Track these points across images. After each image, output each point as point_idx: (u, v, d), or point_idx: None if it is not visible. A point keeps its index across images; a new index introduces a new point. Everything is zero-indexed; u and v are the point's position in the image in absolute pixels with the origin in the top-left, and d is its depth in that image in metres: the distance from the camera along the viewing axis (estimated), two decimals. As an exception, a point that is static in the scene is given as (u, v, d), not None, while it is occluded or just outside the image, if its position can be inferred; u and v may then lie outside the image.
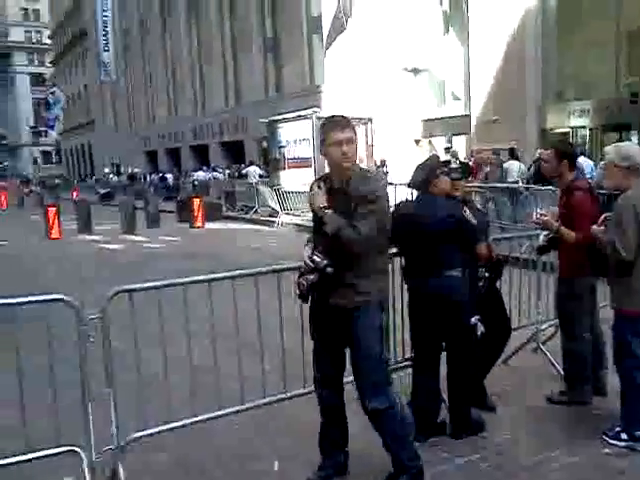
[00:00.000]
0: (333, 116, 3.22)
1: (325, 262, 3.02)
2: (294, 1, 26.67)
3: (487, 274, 4.21)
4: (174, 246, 14.57)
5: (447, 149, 19.66)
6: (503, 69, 20.05)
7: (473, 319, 3.97)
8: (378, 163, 19.32)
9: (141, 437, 3.43)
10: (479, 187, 11.86)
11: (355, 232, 2.97)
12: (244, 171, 23.28)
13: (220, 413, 3.68)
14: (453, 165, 4.38)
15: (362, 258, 3.08)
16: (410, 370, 4.23)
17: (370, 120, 19.18)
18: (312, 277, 3.05)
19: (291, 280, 3.36)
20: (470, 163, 14.56)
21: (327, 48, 24.05)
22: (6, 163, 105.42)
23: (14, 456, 3.15)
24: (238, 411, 3.77)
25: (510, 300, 4.95)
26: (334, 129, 3.10)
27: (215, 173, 28.27)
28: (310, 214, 3.08)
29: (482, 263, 4.11)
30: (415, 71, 24.68)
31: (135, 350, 3.44)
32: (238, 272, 3.70)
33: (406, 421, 3.34)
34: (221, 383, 3.67)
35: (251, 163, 24.00)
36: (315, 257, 3.05)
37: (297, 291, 3.17)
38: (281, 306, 3.93)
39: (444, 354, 4.02)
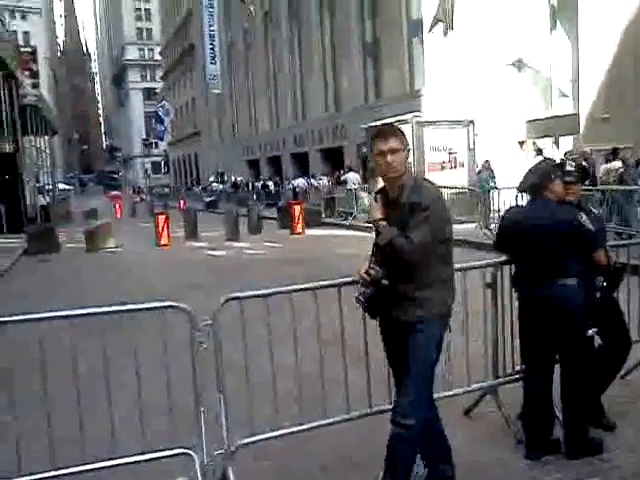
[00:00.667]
0: (381, 125, 3.26)
1: (380, 274, 2.96)
2: (394, 4, 26.52)
3: (604, 283, 3.97)
4: (275, 252, 14.88)
5: (539, 151, 18.84)
6: (616, 64, 18.91)
7: (590, 331, 3.76)
8: (479, 167, 18.80)
9: (249, 443, 3.50)
10: (590, 189, 11.24)
11: (408, 241, 2.90)
12: (343, 177, 23.42)
13: (324, 422, 3.68)
14: (568, 168, 4.17)
15: (422, 269, 2.99)
16: (520, 383, 4.05)
17: (472, 122, 18.74)
18: (368, 291, 3.00)
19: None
20: (585, 165, 13.80)
21: (428, 51, 23.68)
22: (120, 174, 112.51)
23: (132, 455, 3.30)
24: (343, 420, 3.76)
25: (629, 311, 4.63)
26: (377, 139, 3.05)
27: (314, 180, 28.64)
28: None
29: (599, 271, 3.88)
30: (520, 66, 23.86)
31: (244, 356, 3.51)
32: (343, 280, 3.68)
33: (417, 446, 3.19)
34: (327, 391, 3.67)
35: (349, 169, 24.11)
36: (371, 270, 2.99)
37: (358, 305, 3.13)
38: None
39: (557, 367, 3.82)
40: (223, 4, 43.29)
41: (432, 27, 23.36)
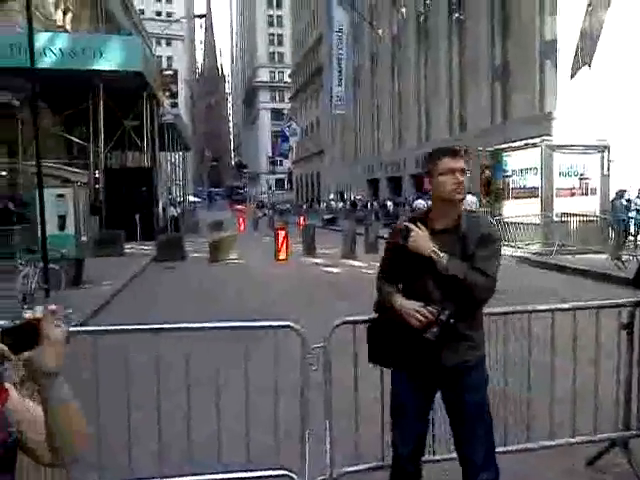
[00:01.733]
0: (445, 147, 2.89)
1: (447, 312, 2.60)
2: (526, 27, 25.71)
3: None
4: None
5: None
6: None
7: None
8: (613, 195, 17.59)
9: (354, 472, 3.40)
10: None
11: (483, 276, 2.62)
12: (466, 199, 22.84)
13: (434, 458, 3.50)
14: None
15: (479, 306, 2.74)
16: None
17: (607, 148, 17.63)
18: (435, 330, 2.61)
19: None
20: None
21: (572, 76, 22.52)
22: (246, 189, 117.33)
23: (235, 472, 3.31)
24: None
25: None
26: (445, 157, 2.76)
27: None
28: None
29: None
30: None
31: (354, 381, 3.42)
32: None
33: None
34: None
35: (468, 192, 23.48)
36: (431, 308, 2.61)
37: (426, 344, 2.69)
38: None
39: None
40: (352, 29, 44.26)
41: (574, 73, 22.20)
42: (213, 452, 3.36)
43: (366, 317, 3.37)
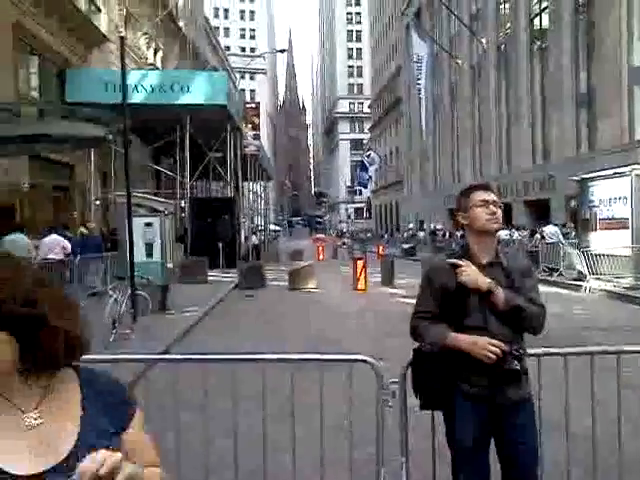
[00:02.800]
0: (476, 183, 2.92)
1: (518, 344, 2.63)
2: (612, 52, 24.85)
3: None
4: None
5: None
6: None
7: None
8: None
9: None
10: None
11: (537, 307, 2.67)
12: (545, 230, 22.07)
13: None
14: None
15: (535, 335, 2.72)
16: None
17: None
18: (515, 362, 2.59)
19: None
20: None
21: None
22: (326, 218, 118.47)
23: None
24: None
25: None
26: (477, 190, 2.82)
27: (517, 232, 27.44)
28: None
29: None
30: None
31: (431, 418, 3.33)
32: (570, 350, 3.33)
33: None
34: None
35: (548, 223, 22.70)
36: (496, 341, 2.53)
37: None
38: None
39: None
40: (431, 59, 44.38)
41: None
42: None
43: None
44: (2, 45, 17.81)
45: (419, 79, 41.24)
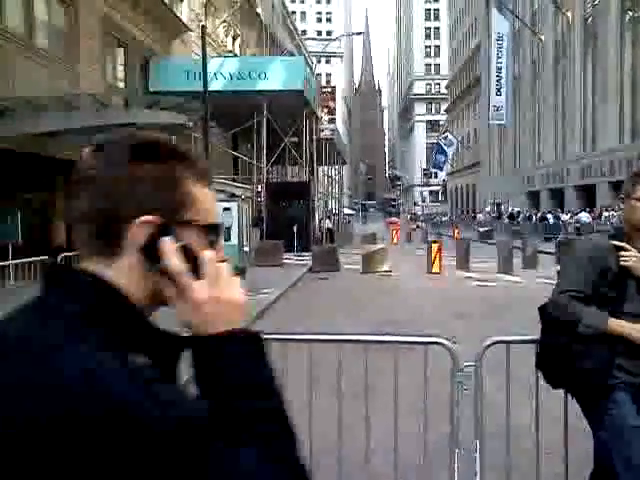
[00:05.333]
0: None
1: None
2: None
3: None
4: (550, 290, 13.96)
5: None
6: None
7: None
8: None
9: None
10: None
11: None
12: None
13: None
14: None
15: None
16: None
17: None
18: None
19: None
20: None
21: None
22: (400, 201, 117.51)
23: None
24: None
25: None
26: None
27: (606, 213, 26.29)
28: None
29: None
30: None
31: (507, 402, 3.34)
32: None
33: None
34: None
35: None
36: None
37: None
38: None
39: None
40: (512, 37, 42.88)
41: None
42: (361, 466, 3.45)
43: (521, 337, 3.28)
44: (91, 38, 18.67)
45: (499, 57, 40.03)
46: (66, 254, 9.10)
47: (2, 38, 14.64)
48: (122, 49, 21.49)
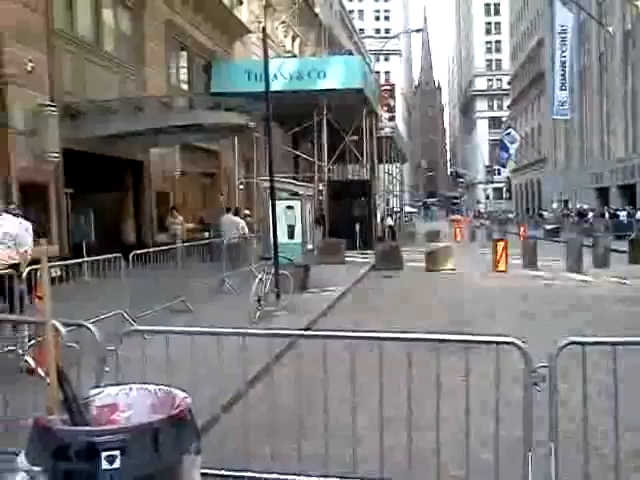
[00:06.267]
0: None
1: None
2: None
3: None
4: (621, 290, 13.43)
5: None
6: None
7: None
8: None
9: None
10: None
11: None
12: None
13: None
14: None
15: None
16: None
17: None
18: None
19: None
20: None
21: None
22: (463, 198, 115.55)
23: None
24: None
25: None
26: None
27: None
28: None
29: None
30: None
31: (582, 405, 3.23)
32: None
33: None
34: None
35: None
36: None
37: None
38: None
39: None
40: (577, 29, 41.47)
41: None
42: (432, 465, 3.41)
43: (595, 339, 3.17)
44: (156, 43, 19.21)
45: (564, 51, 38.77)
46: (136, 252, 9.40)
47: (74, 44, 15.24)
48: (185, 52, 22.00)
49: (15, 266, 6.55)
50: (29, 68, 12.78)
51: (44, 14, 13.68)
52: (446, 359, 3.64)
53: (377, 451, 3.42)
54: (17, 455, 2.22)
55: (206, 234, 17.98)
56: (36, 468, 2.11)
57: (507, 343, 3.22)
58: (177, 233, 16.15)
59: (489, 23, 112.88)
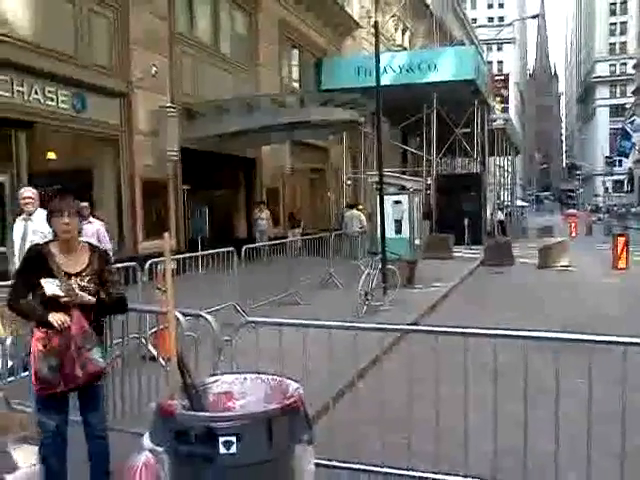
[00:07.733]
0: None
1: None
2: None
3: None
4: None
5: None
6: None
7: None
8: None
9: None
10: None
11: None
12: None
13: None
14: None
15: None
16: None
17: None
18: None
19: None
20: None
21: None
22: (578, 192, 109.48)
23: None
24: None
25: None
26: None
27: None
28: None
29: None
30: None
31: None
32: None
33: None
34: None
35: None
36: None
37: None
38: None
39: None
40: None
41: None
42: (548, 473, 3.27)
43: None
44: (270, 42, 19.71)
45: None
46: (248, 246, 9.73)
47: (194, 47, 15.96)
48: (296, 50, 22.39)
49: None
50: (153, 72, 13.57)
51: (167, 19, 14.47)
52: (563, 360, 3.47)
53: (489, 452, 3.32)
54: (142, 436, 2.37)
55: (296, 230, 18.02)
56: (159, 448, 2.25)
57: (636, 344, 3.00)
58: (263, 229, 16.43)
59: (613, 3, 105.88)
